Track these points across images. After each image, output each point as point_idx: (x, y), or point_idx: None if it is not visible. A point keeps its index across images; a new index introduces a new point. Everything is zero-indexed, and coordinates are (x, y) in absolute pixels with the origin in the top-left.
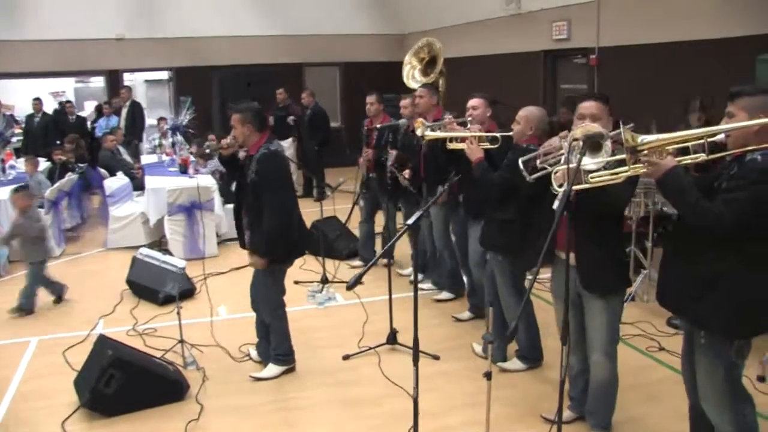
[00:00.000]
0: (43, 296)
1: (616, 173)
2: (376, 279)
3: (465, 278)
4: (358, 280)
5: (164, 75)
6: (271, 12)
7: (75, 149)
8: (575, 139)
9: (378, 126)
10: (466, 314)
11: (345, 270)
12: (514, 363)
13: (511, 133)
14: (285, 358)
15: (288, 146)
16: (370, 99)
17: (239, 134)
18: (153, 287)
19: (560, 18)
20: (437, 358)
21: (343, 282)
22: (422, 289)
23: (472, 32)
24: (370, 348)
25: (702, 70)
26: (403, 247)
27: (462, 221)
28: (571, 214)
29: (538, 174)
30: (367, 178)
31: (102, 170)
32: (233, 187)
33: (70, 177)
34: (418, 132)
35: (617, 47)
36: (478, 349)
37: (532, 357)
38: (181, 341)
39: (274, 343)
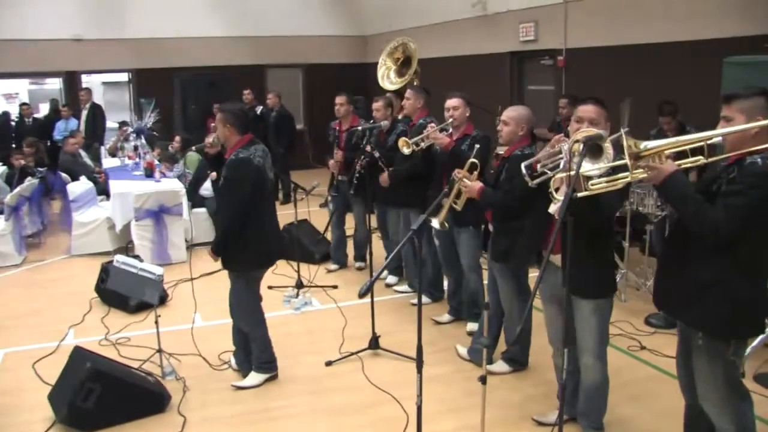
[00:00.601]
0: (11, 307)
1: (616, 179)
2: (350, 283)
3: (446, 281)
4: (370, 288)
5: (122, 77)
6: (232, 13)
7: (34, 153)
8: (576, 142)
9: (360, 128)
10: (446, 317)
11: (321, 274)
12: (500, 365)
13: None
14: (266, 366)
15: None
16: (340, 100)
17: (220, 135)
18: (131, 295)
19: (527, 19)
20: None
21: (319, 287)
22: (399, 292)
23: (438, 34)
24: (353, 353)
25: (670, 72)
26: (379, 251)
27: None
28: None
29: (540, 179)
30: (336, 180)
31: (63, 174)
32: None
33: (31, 182)
34: (405, 151)
35: (585, 49)
36: (462, 351)
37: (520, 361)
38: (159, 350)
39: (256, 352)
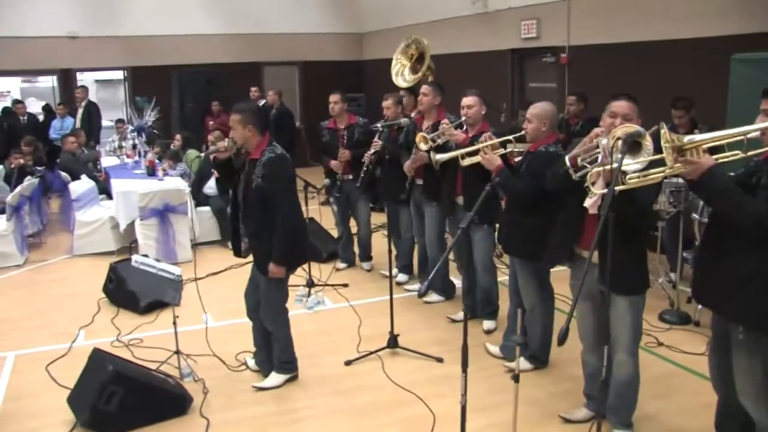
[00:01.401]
0: (17, 308)
1: (653, 174)
2: (360, 281)
3: (461, 279)
4: (429, 287)
5: (115, 75)
6: (228, 11)
7: (33, 152)
8: (617, 139)
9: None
10: (461, 315)
11: (330, 272)
12: (522, 363)
13: (522, 133)
14: (288, 366)
15: None
16: (334, 98)
17: (239, 136)
18: (151, 296)
19: (529, 17)
20: (441, 361)
21: (330, 285)
22: (408, 291)
23: (437, 31)
24: (371, 352)
25: (676, 69)
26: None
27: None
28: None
29: (582, 172)
30: (339, 179)
31: (63, 173)
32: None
33: (31, 181)
34: (423, 148)
35: (588, 46)
36: (494, 349)
37: (541, 358)
38: (178, 352)
39: (278, 351)
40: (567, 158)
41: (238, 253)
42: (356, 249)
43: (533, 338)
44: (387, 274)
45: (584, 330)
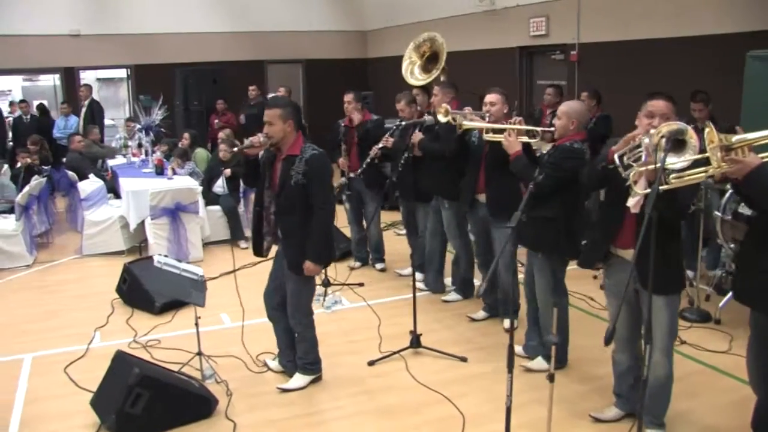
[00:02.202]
0: (30, 309)
1: (696, 173)
2: (375, 280)
3: (482, 278)
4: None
5: (117, 73)
6: (231, 8)
7: (39, 151)
8: (661, 137)
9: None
10: (481, 314)
11: (345, 271)
12: (539, 363)
13: (552, 129)
14: (313, 367)
15: None
16: (348, 98)
17: (277, 131)
18: (176, 297)
19: (538, 14)
20: (465, 360)
21: (346, 284)
22: (422, 290)
23: (442, 29)
24: (394, 352)
25: (687, 67)
26: (399, 247)
27: (481, 221)
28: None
29: (631, 170)
30: (349, 178)
31: (70, 173)
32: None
33: (39, 180)
34: (442, 119)
35: (598, 43)
36: (517, 349)
37: (560, 358)
38: (200, 353)
39: (301, 352)
40: (616, 155)
41: (259, 252)
42: (369, 248)
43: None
44: (402, 273)
45: (617, 329)
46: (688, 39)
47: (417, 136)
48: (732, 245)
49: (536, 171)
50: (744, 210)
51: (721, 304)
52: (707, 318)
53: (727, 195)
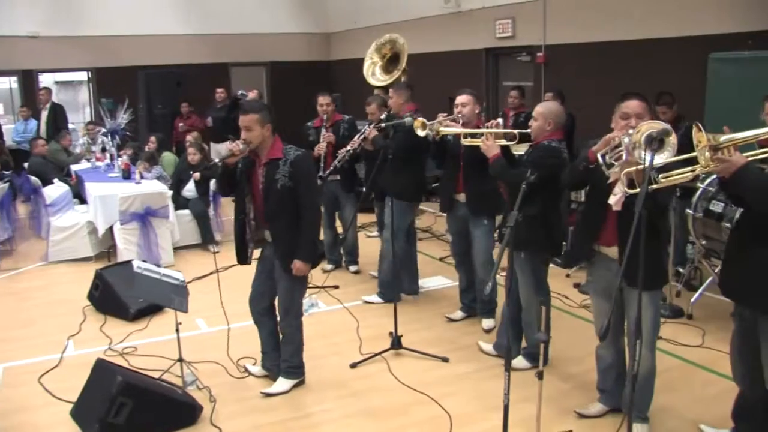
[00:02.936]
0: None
1: (683, 173)
2: (349, 283)
3: (459, 277)
4: (495, 286)
5: (76, 76)
6: (194, 11)
7: None
8: (641, 135)
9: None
10: (459, 314)
11: (320, 274)
12: (520, 361)
13: (528, 131)
14: (296, 371)
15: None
16: (324, 100)
17: (256, 137)
18: (159, 303)
19: (504, 16)
20: (446, 360)
21: (321, 287)
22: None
23: (407, 31)
24: (376, 354)
25: (653, 68)
26: (371, 249)
27: (461, 220)
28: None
29: (613, 169)
30: (322, 179)
31: (33, 178)
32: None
33: (1, 186)
34: (420, 133)
35: (565, 45)
36: (487, 347)
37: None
38: (181, 359)
39: (287, 355)
40: (599, 155)
41: (243, 260)
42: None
43: (531, 336)
44: (376, 275)
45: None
46: (652, 41)
47: (372, 131)
48: (704, 242)
49: (528, 172)
50: (715, 207)
51: (692, 300)
52: (680, 313)
53: (698, 193)
